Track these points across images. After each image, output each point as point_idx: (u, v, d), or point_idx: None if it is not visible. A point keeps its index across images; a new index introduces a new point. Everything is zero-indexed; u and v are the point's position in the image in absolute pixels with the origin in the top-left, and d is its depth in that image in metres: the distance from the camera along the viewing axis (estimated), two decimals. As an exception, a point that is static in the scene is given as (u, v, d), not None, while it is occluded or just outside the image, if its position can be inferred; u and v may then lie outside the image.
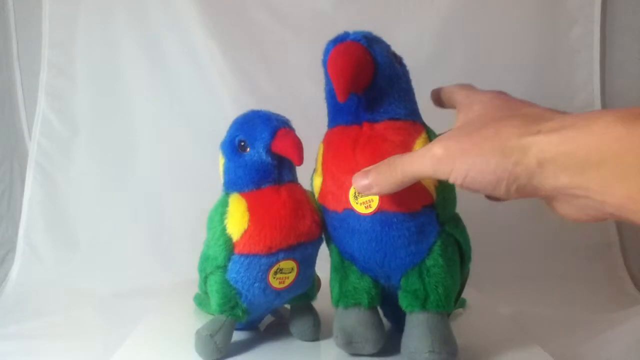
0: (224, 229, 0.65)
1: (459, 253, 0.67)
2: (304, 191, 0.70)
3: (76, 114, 1.40)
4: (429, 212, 0.62)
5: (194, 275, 0.77)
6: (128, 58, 1.38)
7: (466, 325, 0.78)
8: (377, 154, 0.62)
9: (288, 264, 0.66)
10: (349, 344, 0.65)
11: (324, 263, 0.73)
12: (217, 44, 1.33)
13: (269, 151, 0.66)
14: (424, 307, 0.63)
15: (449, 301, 0.64)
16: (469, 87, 0.62)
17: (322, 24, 1.31)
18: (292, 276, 0.67)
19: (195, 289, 0.87)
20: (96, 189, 1.39)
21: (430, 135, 0.65)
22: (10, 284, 1.30)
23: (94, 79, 1.39)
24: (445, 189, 0.62)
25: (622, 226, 1.31)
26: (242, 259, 0.64)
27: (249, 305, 0.67)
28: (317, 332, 0.73)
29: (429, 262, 0.63)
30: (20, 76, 1.44)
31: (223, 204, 0.67)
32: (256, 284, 0.65)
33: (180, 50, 1.36)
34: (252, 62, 1.35)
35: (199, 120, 1.36)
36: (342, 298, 0.67)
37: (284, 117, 0.70)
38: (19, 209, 1.39)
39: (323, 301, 0.75)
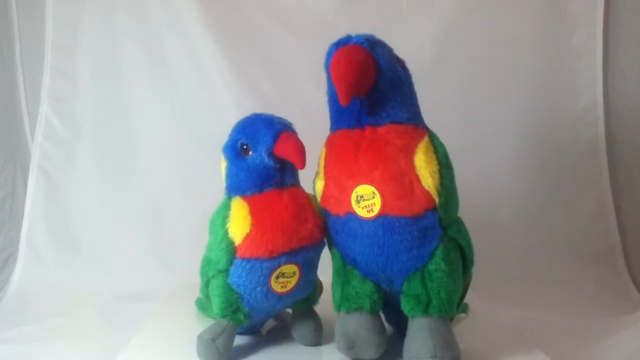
0: (226, 232, 0.65)
1: (461, 257, 0.66)
2: (306, 195, 0.70)
3: (78, 116, 1.40)
4: (432, 215, 0.62)
5: (196, 279, 0.77)
6: (130, 62, 1.39)
7: (469, 330, 0.77)
8: (379, 158, 0.62)
9: (290, 268, 0.65)
10: (350, 349, 0.65)
11: (326, 267, 0.73)
12: (219, 47, 1.34)
13: (271, 155, 0.66)
14: (426, 311, 0.62)
15: (451, 306, 0.64)
16: None
17: (324, 27, 1.31)
18: (294, 280, 0.67)
19: (196, 293, 0.86)
20: (98, 192, 1.39)
21: (433, 139, 0.64)
22: (12, 286, 1.30)
23: (96, 82, 1.40)
24: (448, 192, 0.62)
25: (625, 231, 1.31)
26: (244, 262, 0.64)
27: (251, 309, 0.67)
28: (319, 336, 0.73)
29: (431, 266, 0.63)
30: (23, 79, 1.44)
31: (225, 208, 0.67)
32: (258, 288, 0.65)
33: (182, 54, 1.36)
34: (254, 66, 1.35)
35: (200, 123, 1.36)
36: (344, 302, 0.67)
37: (287, 120, 0.70)
38: (21, 213, 1.39)
39: (325, 305, 0.75)
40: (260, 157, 0.66)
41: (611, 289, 1.22)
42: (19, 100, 1.44)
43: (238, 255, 0.64)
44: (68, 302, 1.19)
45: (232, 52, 1.34)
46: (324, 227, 0.68)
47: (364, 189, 0.61)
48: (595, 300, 1.15)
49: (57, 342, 0.98)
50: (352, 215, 0.63)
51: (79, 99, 1.40)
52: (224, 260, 0.65)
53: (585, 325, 0.99)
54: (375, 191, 0.61)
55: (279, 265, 0.64)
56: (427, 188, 0.61)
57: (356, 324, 0.65)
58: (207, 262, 0.70)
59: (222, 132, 0.73)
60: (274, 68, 1.35)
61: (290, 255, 0.65)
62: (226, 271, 0.66)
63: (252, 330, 0.76)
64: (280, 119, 0.70)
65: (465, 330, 0.77)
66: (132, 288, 1.24)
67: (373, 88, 0.62)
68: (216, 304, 0.67)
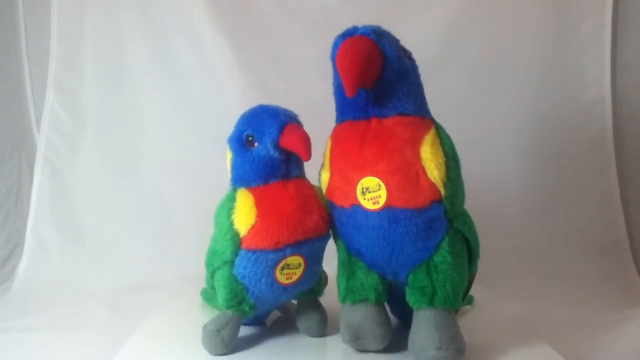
0: (231, 224, 0.65)
1: (467, 250, 0.66)
2: (311, 186, 0.70)
3: (84, 108, 1.40)
4: (438, 208, 0.61)
5: (200, 270, 0.77)
6: (135, 53, 1.38)
7: (474, 323, 0.77)
8: (385, 150, 0.61)
9: (295, 260, 0.65)
10: (355, 340, 0.65)
11: (331, 258, 0.73)
12: (224, 38, 1.33)
13: (276, 146, 0.66)
14: (431, 303, 0.62)
15: (456, 298, 0.63)
16: None
17: (330, 18, 1.31)
18: (299, 272, 0.67)
19: (201, 284, 0.87)
20: (103, 184, 1.39)
21: (439, 131, 0.64)
22: (18, 278, 1.30)
23: (101, 73, 1.40)
24: (454, 184, 0.62)
25: (632, 225, 1.31)
26: (249, 254, 0.64)
27: (256, 300, 0.67)
28: (323, 327, 0.73)
29: (437, 258, 0.63)
30: (29, 70, 1.45)
31: (230, 199, 0.67)
32: (263, 279, 0.65)
33: (187, 45, 1.36)
34: (259, 57, 1.35)
35: (205, 115, 1.36)
36: (349, 294, 0.67)
37: (292, 112, 0.70)
38: (27, 204, 1.40)
39: (330, 297, 0.75)
40: (266, 149, 0.66)
41: (617, 281, 1.21)
42: (24, 91, 1.44)
43: (243, 246, 0.64)
44: (73, 293, 1.20)
45: (237, 43, 1.33)
46: (329, 219, 0.68)
47: (370, 181, 0.61)
48: (601, 293, 1.14)
49: (62, 333, 0.98)
50: (358, 207, 0.62)
51: (85, 91, 1.40)
52: (229, 252, 0.65)
53: (591, 318, 0.99)
54: (381, 183, 0.60)
55: (284, 257, 0.64)
56: (433, 180, 0.60)
57: (361, 315, 0.65)
58: (212, 254, 0.70)
59: (228, 123, 0.73)
60: (279, 59, 1.35)
61: (296, 246, 0.65)
62: (231, 262, 0.66)
63: (257, 321, 0.77)
64: (285, 110, 0.69)
65: (470, 322, 0.77)
66: (137, 279, 1.24)
67: (379, 79, 0.62)
68: (221, 295, 0.68)
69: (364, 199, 0.62)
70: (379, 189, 0.61)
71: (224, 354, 0.66)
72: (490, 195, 1.29)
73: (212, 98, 1.36)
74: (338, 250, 0.71)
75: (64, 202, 1.38)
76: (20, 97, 1.44)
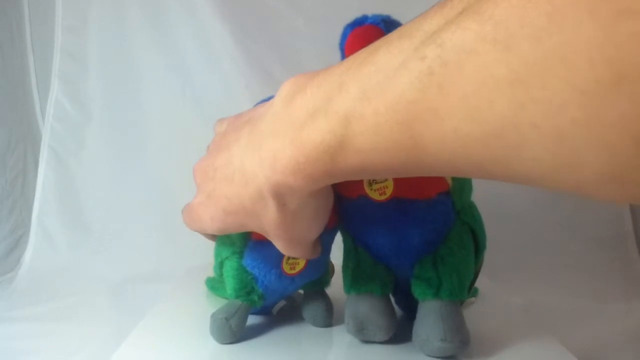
0: (240, 214, 0.65)
1: (473, 241, 0.66)
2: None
3: (89, 98, 1.41)
4: (445, 199, 0.61)
5: (207, 260, 0.78)
6: (140, 44, 1.38)
7: (478, 314, 0.77)
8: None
9: None
10: (360, 331, 0.65)
11: (337, 249, 0.73)
12: (230, 30, 1.33)
13: (284, 138, 0.66)
14: (437, 295, 0.62)
15: (462, 290, 0.63)
16: None
17: (336, 10, 1.30)
18: (302, 262, 0.67)
19: (208, 273, 0.87)
20: (109, 174, 1.39)
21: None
22: (23, 267, 1.31)
23: (106, 64, 1.40)
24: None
25: (637, 217, 1.30)
26: (259, 245, 0.64)
27: (265, 290, 0.67)
28: (329, 318, 0.73)
29: (443, 250, 0.62)
30: (33, 61, 1.45)
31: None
32: (272, 270, 0.65)
33: (192, 37, 1.36)
34: (264, 49, 1.34)
35: (211, 106, 1.36)
36: (355, 285, 0.67)
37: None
38: (32, 193, 1.40)
39: (336, 287, 0.75)
40: (274, 140, 0.66)
41: (623, 274, 1.21)
42: (29, 81, 1.45)
43: (253, 237, 0.64)
44: (79, 283, 1.21)
45: (242, 35, 1.33)
46: (337, 210, 0.68)
47: (377, 172, 0.61)
48: (607, 286, 1.14)
49: (67, 323, 0.99)
50: (365, 197, 0.62)
51: (89, 81, 1.40)
52: (238, 242, 0.65)
53: (596, 310, 0.99)
54: (388, 174, 0.60)
55: (292, 247, 0.64)
56: (440, 171, 0.60)
57: (366, 306, 0.65)
58: (221, 244, 0.70)
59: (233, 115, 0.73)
60: (285, 52, 1.34)
61: (303, 238, 0.64)
62: (241, 253, 0.66)
63: (264, 310, 0.77)
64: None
65: (475, 314, 0.77)
66: (144, 268, 1.25)
67: (388, 69, 0.61)
68: (230, 285, 0.68)
69: (371, 189, 0.61)
70: (386, 180, 0.60)
71: (232, 342, 0.67)
72: (497, 187, 1.28)
73: (217, 90, 1.36)
74: (344, 241, 0.70)
75: (69, 192, 1.39)
76: (24, 87, 1.44)
